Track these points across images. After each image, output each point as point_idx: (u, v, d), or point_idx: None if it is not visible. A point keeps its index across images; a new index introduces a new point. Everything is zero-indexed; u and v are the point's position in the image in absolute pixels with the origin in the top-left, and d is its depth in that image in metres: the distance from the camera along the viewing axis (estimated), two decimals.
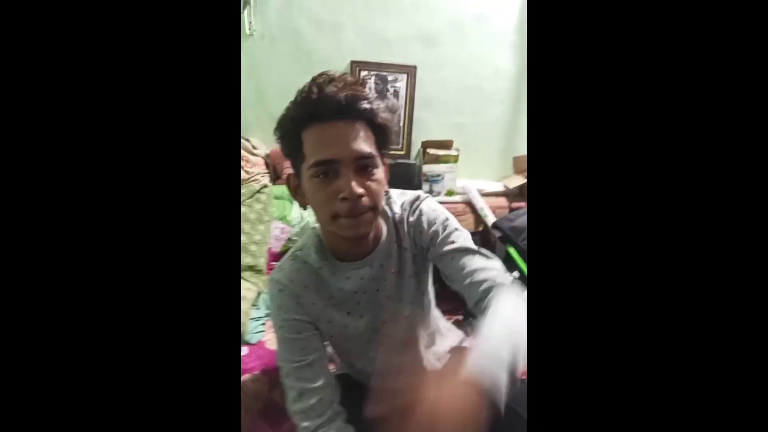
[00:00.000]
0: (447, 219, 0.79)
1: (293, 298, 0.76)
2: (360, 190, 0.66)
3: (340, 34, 1.84)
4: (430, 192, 1.91)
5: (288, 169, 1.85)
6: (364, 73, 1.87)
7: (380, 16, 1.85)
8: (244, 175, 1.84)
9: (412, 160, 1.99)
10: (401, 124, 1.94)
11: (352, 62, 1.87)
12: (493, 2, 1.87)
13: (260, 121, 1.90)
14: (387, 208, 0.79)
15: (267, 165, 1.91)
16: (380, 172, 0.70)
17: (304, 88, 0.67)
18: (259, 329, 1.24)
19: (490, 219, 1.83)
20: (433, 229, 0.77)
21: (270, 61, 1.87)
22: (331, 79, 0.66)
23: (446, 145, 1.94)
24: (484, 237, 1.85)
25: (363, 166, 0.67)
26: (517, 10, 1.90)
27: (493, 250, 1.68)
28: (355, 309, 0.79)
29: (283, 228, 1.58)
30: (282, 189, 1.73)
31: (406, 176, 1.89)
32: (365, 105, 0.66)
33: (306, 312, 0.77)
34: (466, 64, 1.92)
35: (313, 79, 0.66)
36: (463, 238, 0.77)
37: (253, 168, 1.86)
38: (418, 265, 0.79)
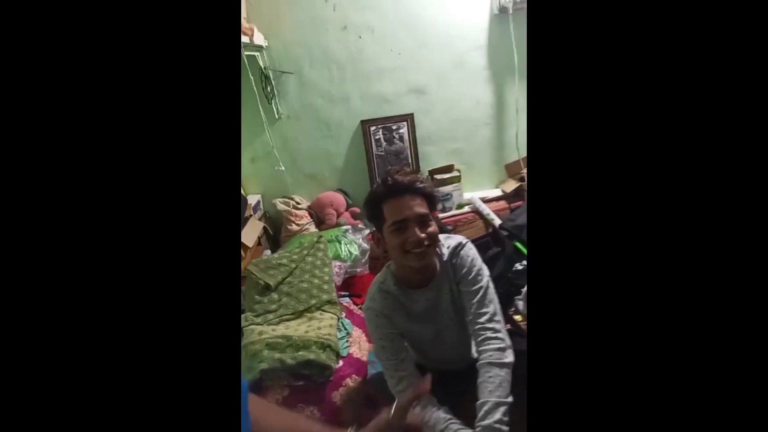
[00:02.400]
0: (475, 266, 1.09)
1: (385, 318, 1.12)
2: (422, 235, 1.02)
3: (348, 103, 2.28)
4: (443, 209, 2.35)
5: (330, 215, 2.31)
6: (372, 128, 2.32)
7: (377, 81, 2.28)
8: (295, 227, 2.29)
9: None
10: (409, 161, 2.38)
11: (362, 121, 2.31)
12: (467, 50, 2.28)
13: (298, 181, 2.37)
14: (438, 251, 1.11)
15: (311, 215, 2.36)
16: (434, 225, 1.06)
17: (383, 176, 1.07)
18: (346, 345, 1.68)
19: (497, 221, 2.23)
20: (464, 271, 1.10)
21: (298, 134, 2.32)
22: (398, 171, 1.06)
23: (448, 169, 2.38)
24: (494, 237, 2.27)
25: (422, 222, 1.04)
26: (485, 54, 2.30)
27: (503, 246, 2.12)
28: (424, 321, 1.15)
29: (340, 265, 2.01)
30: (331, 233, 2.13)
31: None
32: (419, 185, 1.05)
33: (394, 326, 1.12)
34: (452, 102, 2.34)
35: (387, 171, 1.07)
36: (483, 283, 1.08)
37: (302, 220, 2.32)
38: (455, 293, 1.13)
